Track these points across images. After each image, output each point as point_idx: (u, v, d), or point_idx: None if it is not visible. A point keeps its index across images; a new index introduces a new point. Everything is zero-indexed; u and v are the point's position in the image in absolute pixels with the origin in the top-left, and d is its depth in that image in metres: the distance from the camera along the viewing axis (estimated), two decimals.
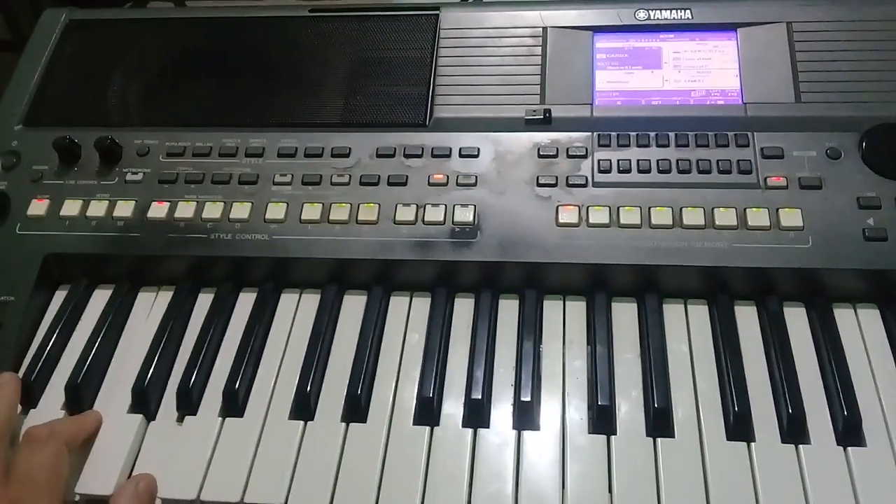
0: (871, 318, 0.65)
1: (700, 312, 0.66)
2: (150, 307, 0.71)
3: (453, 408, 0.62)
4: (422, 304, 0.69)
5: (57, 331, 0.69)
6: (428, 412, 0.61)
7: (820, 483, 0.55)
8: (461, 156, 0.73)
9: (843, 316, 0.65)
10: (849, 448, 0.57)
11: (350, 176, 0.72)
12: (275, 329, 0.68)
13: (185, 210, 0.72)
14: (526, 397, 0.61)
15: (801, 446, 0.57)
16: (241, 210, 0.71)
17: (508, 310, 0.68)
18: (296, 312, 0.69)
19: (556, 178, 0.70)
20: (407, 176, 0.72)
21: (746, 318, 0.65)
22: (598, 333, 0.65)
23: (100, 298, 0.72)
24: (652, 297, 0.66)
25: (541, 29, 0.79)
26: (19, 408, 0.64)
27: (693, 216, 0.67)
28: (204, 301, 0.71)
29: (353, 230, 0.69)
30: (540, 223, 0.68)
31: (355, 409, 0.62)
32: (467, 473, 0.58)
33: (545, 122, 0.74)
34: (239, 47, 0.82)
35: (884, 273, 0.64)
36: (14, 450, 0.59)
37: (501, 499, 0.56)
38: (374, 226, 0.69)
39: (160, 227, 0.72)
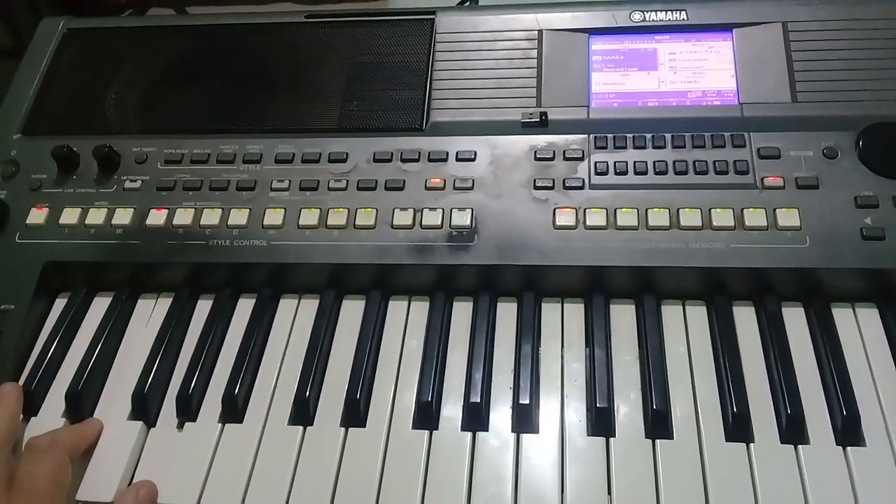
0: (869, 317, 0.64)
1: (698, 313, 0.66)
2: (149, 314, 0.71)
3: (452, 411, 0.62)
4: (420, 308, 0.69)
5: (57, 339, 0.69)
6: (427, 416, 0.61)
7: (819, 483, 0.55)
8: (458, 160, 0.73)
9: (842, 315, 0.65)
10: (848, 448, 0.57)
11: (347, 181, 0.72)
12: (274, 334, 0.69)
13: (184, 217, 0.72)
14: (525, 400, 0.61)
15: (800, 447, 0.57)
16: (239, 216, 0.71)
17: (506, 313, 0.68)
18: (294, 318, 0.70)
19: (553, 180, 0.70)
20: (404, 180, 0.72)
21: (745, 318, 0.65)
22: (597, 335, 0.65)
23: (99, 306, 0.72)
24: (650, 299, 0.66)
25: (536, 32, 0.79)
26: (21, 417, 0.64)
27: (690, 217, 0.67)
28: (203, 307, 0.71)
29: (351, 235, 0.70)
30: (537, 226, 0.68)
31: (354, 413, 0.62)
32: (466, 477, 0.58)
33: (542, 124, 0.74)
34: (235, 54, 0.82)
35: (882, 272, 0.64)
36: (16, 459, 0.59)
37: (501, 502, 0.57)
38: (372, 230, 0.70)
39: (159, 235, 0.72)
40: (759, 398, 0.60)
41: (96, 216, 0.73)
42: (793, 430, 0.58)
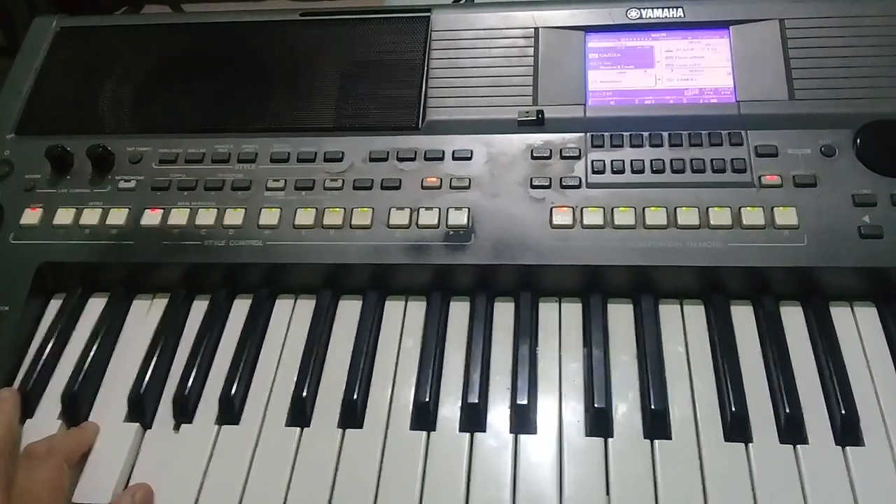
0: (867, 316, 0.64)
1: (696, 313, 0.66)
2: (145, 315, 0.71)
3: (450, 412, 0.62)
4: (417, 309, 0.68)
5: (52, 340, 0.69)
6: (424, 417, 0.61)
7: (818, 483, 0.55)
8: (454, 158, 0.72)
9: (840, 314, 0.64)
10: (847, 448, 0.57)
11: (343, 180, 0.72)
12: (270, 335, 0.68)
13: (179, 217, 0.72)
14: (522, 400, 0.61)
15: (798, 446, 0.57)
16: (234, 216, 0.71)
17: (504, 313, 0.67)
18: (291, 318, 0.69)
19: (550, 179, 0.70)
20: (400, 179, 0.72)
21: (743, 317, 0.65)
22: (594, 335, 0.64)
23: (95, 307, 0.72)
24: (648, 298, 0.66)
25: (532, 29, 0.78)
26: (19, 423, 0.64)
27: (688, 216, 0.66)
28: (199, 308, 0.71)
29: (347, 235, 0.69)
30: (534, 225, 0.68)
31: (351, 414, 0.62)
32: (464, 478, 0.58)
33: (538, 123, 0.74)
34: (230, 53, 0.82)
35: (880, 271, 0.63)
36: (15, 466, 0.59)
37: (499, 502, 0.56)
38: (368, 230, 0.69)
39: (154, 235, 0.71)
40: (758, 398, 0.60)
41: (91, 216, 0.73)
42: (791, 430, 0.58)
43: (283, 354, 0.67)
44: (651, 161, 0.70)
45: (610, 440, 0.58)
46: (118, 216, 0.72)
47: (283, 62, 0.80)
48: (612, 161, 0.70)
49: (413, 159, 0.73)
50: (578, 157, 0.71)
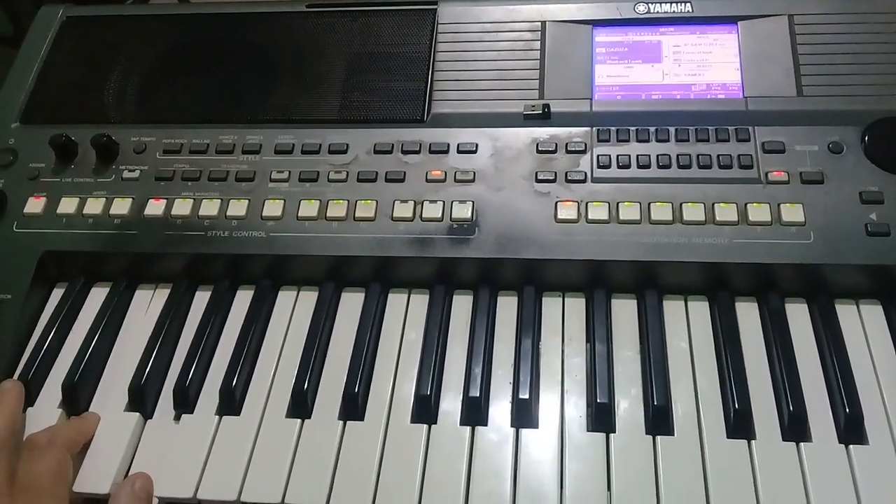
0: (873, 313, 0.64)
1: (700, 309, 0.66)
2: (147, 305, 0.71)
3: (451, 405, 0.62)
4: (420, 302, 0.68)
5: (54, 329, 0.69)
6: (426, 410, 0.61)
7: (821, 481, 0.55)
8: (459, 152, 0.72)
9: (846, 312, 0.64)
10: (851, 446, 0.56)
11: (347, 172, 0.72)
12: (272, 327, 0.68)
13: (182, 207, 0.72)
14: (524, 395, 0.60)
15: (802, 444, 0.56)
16: (238, 207, 0.71)
17: (507, 307, 0.67)
18: (293, 310, 0.69)
19: (555, 173, 0.70)
20: (405, 172, 0.71)
21: (747, 314, 0.65)
22: (598, 330, 0.64)
23: (97, 296, 0.72)
24: (652, 294, 0.66)
25: (539, 23, 0.78)
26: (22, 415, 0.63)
27: (693, 212, 0.66)
28: (201, 299, 0.71)
29: (351, 227, 0.69)
30: (539, 219, 0.67)
31: (353, 406, 0.62)
32: (465, 471, 0.57)
33: (544, 117, 0.74)
34: (235, 43, 0.82)
35: (886, 268, 0.63)
36: (18, 457, 0.59)
37: (499, 497, 0.56)
38: (372, 222, 0.69)
39: (157, 225, 0.71)
40: (761, 395, 0.60)
41: (94, 206, 0.73)
42: (795, 428, 0.57)
43: (285, 346, 0.67)
44: (657, 156, 0.69)
45: (612, 435, 0.58)
46: (122, 206, 0.72)
47: (289, 53, 0.80)
48: (617, 156, 0.70)
49: (418, 152, 0.72)
50: (584, 152, 0.71)
